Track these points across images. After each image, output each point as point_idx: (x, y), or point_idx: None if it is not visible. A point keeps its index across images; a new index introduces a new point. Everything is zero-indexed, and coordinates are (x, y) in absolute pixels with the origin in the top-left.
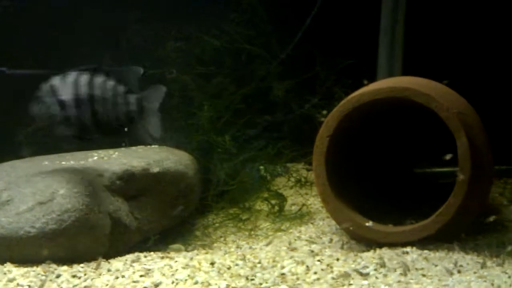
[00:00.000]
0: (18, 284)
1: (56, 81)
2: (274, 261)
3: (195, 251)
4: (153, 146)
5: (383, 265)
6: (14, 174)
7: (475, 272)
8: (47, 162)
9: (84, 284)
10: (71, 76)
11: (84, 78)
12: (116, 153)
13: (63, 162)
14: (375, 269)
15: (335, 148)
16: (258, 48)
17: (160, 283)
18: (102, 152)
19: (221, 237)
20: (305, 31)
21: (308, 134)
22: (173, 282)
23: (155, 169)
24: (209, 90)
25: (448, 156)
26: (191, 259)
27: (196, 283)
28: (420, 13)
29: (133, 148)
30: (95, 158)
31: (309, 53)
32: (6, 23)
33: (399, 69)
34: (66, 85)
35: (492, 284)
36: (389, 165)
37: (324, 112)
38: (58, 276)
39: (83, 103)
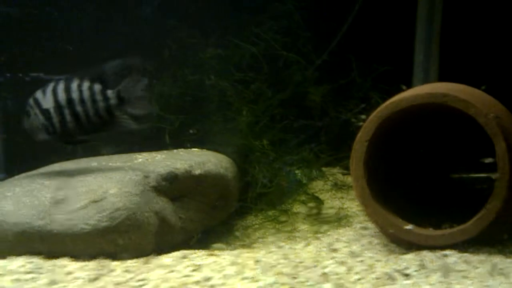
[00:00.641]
0: (75, 277)
1: (38, 93)
2: (315, 261)
3: (239, 250)
4: (194, 149)
5: (424, 266)
6: (66, 174)
7: None
8: (95, 163)
9: (138, 277)
10: (50, 86)
11: (61, 85)
12: (159, 155)
13: (110, 164)
14: (417, 270)
15: (373, 152)
16: (294, 54)
17: (210, 278)
18: (146, 155)
19: (260, 238)
20: (341, 38)
21: (344, 139)
22: (223, 277)
23: (197, 171)
24: (247, 96)
25: (488, 160)
26: (237, 256)
27: (244, 278)
28: (456, 19)
29: (175, 151)
30: (140, 160)
31: (345, 59)
32: (49, 31)
33: (435, 75)
34: (46, 96)
35: None
36: (426, 170)
37: (363, 116)
38: (111, 271)
39: (64, 109)
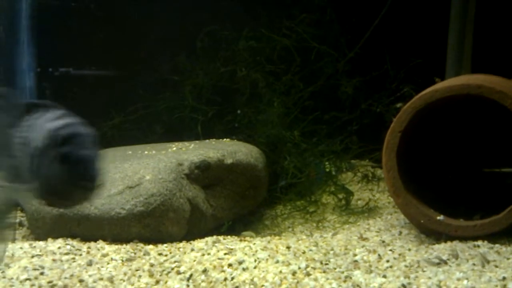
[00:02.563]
0: (112, 259)
1: None
2: (346, 249)
3: (270, 237)
4: (225, 139)
5: (456, 256)
6: (103, 161)
7: None
8: (130, 151)
9: (172, 259)
10: None
11: None
12: (193, 144)
13: (146, 152)
14: (448, 259)
15: (406, 143)
16: (326, 47)
17: (243, 261)
18: (180, 144)
19: (289, 227)
20: (374, 30)
21: (375, 132)
22: (255, 261)
23: (229, 160)
24: (278, 88)
25: None
26: (268, 242)
27: (277, 262)
28: (489, 11)
29: (207, 141)
30: (174, 149)
31: (377, 51)
32: (85, 25)
33: (468, 67)
34: None
35: None
36: (458, 162)
37: (399, 105)
38: (146, 254)
39: None
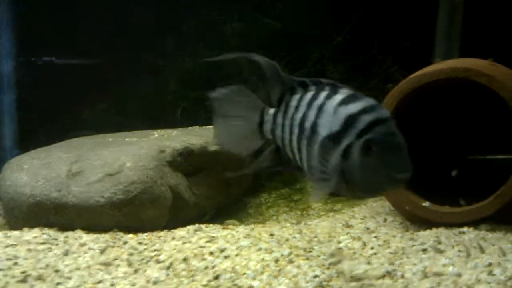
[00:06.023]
0: (89, 248)
1: None
2: (330, 236)
3: (253, 225)
4: (209, 126)
5: (440, 242)
6: (83, 148)
7: None
8: (111, 138)
9: (153, 248)
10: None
11: None
12: (175, 131)
13: (127, 139)
14: (433, 246)
15: None
16: (314, 31)
17: (225, 249)
18: (162, 131)
19: (273, 215)
20: (362, 15)
21: None
22: (237, 248)
23: (213, 148)
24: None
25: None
26: (252, 229)
27: (259, 249)
28: None
29: (190, 128)
30: (156, 135)
31: (365, 36)
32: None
33: (457, 52)
34: None
35: None
36: (446, 148)
37: (390, 85)
38: (125, 243)
39: None
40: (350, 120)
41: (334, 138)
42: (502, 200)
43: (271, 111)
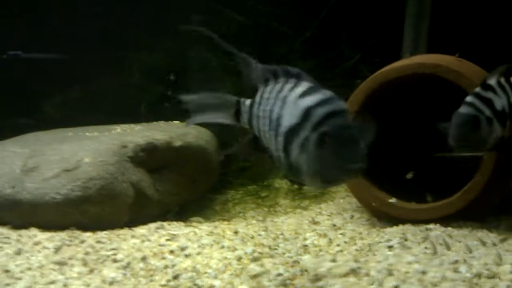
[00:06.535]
0: (44, 247)
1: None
2: (296, 233)
3: (218, 222)
4: (174, 121)
5: (406, 239)
6: (39, 142)
7: (500, 248)
8: (71, 133)
9: (110, 246)
10: None
11: None
12: (139, 126)
13: (88, 134)
14: (399, 243)
15: None
16: (282, 26)
17: (186, 247)
18: (125, 125)
19: (240, 212)
20: (330, 10)
21: None
22: (199, 246)
23: (178, 143)
24: (231, 68)
25: None
26: (215, 227)
27: (222, 247)
28: None
29: (155, 122)
30: (118, 130)
31: (333, 31)
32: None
33: (424, 48)
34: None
35: None
36: (412, 145)
37: (358, 81)
38: (82, 242)
39: None
40: (307, 113)
41: (294, 130)
42: (469, 197)
43: (248, 102)
